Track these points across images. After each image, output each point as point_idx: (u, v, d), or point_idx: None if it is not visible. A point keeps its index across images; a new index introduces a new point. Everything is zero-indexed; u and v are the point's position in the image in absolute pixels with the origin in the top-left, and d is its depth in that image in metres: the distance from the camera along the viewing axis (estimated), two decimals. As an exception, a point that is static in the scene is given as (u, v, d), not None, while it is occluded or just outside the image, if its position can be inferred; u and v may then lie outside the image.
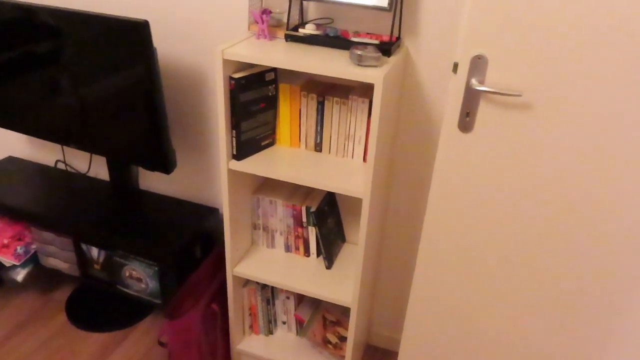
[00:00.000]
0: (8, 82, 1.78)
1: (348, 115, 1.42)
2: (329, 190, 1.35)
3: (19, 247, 1.91)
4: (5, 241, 1.92)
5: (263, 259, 1.67)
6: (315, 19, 1.46)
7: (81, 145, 1.78)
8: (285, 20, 1.44)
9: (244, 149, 1.43)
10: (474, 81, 1.16)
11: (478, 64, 1.14)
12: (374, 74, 1.17)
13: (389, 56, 1.28)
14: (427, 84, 1.46)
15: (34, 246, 1.94)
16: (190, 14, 1.60)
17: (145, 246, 1.67)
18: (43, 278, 2.16)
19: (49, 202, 1.85)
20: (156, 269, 1.72)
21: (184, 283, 1.65)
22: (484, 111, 1.19)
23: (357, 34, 1.37)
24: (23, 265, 1.93)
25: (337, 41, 1.33)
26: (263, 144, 1.49)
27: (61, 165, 2.09)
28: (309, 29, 1.35)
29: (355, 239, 1.76)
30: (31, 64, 1.68)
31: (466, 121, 1.21)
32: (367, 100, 1.37)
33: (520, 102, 1.14)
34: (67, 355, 1.83)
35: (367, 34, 1.38)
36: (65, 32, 1.56)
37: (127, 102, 1.59)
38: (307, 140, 1.50)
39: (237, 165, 1.42)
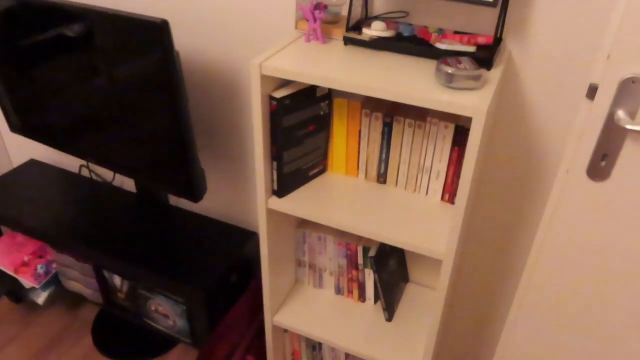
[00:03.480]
0: (25, 82, 1.53)
1: (424, 142, 1.07)
2: (398, 246, 1.02)
3: (39, 266, 1.70)
4: (25, 258, 1.72)
5: (308, 302, 1.38)
6: (384, 13, 1.10)
7: (100, 161, 1.53)
8: (344, 13, 1.10)
9: (287, 183, 1.12)
10: (621, 114, 0.79)
11: (631, 90, 0.77)
12: (473, 103, 0.81)
13: (489, 69, 0.92)
14: (536, 107, 1.07)
15: (55, 265, 1.73)
16: (225, 9, 1.27)
17: (171, 281, 1.41)
18: (66, 299, 1.96)
19: (68, 220, 1.62)
20: (184, 307, 1.46)
21: (216, 325, 1.39)
22: (628, 155, 0.82)
23: (441, 34, 1.00)
24: (44, 288, 1.73)
25: (415, 48, 0.97)
26: (311, 173, 1.17)
27: (85, 172, 1.86)
28: (375, 29, 1.00)
29: (421, 278, 1.43)
30: (46, 64, 1.43)
31: (600, 166, 0.85)
32: (451, 126, 1.02)
33: (696, 148, 0.77)
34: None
35: (455, 33, 1.02)
36: (81, 30, 1.28)
37: (148, 113, 1.31)
38: (367, 169, 1.18)
39: (278, 203, 1.12)
